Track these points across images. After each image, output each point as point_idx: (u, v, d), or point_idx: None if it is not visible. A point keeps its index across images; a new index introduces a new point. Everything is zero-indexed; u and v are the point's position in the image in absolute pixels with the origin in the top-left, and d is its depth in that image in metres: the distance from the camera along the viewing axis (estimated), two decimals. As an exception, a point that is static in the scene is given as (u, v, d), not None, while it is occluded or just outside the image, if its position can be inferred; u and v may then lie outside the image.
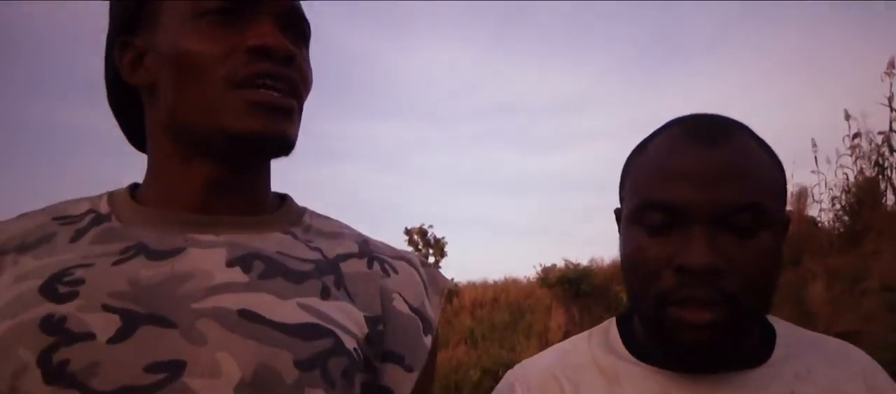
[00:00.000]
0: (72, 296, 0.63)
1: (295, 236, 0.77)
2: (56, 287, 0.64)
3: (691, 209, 0.77)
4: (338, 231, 0.82)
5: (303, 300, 0.69)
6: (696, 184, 0.78)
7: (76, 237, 0.72)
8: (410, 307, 0.76)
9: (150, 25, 0.75)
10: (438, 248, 25.72)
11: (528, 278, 18.71)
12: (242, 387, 0.62)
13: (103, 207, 0.77)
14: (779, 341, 0.88)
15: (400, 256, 0.83)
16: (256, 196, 0.79)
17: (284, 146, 0.75)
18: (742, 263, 0.77)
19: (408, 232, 26.42)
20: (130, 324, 0.63)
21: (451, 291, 20.79)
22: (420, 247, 26.03)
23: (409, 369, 0.73)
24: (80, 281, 0.65)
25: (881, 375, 0.88)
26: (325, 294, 0.72)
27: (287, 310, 0.67)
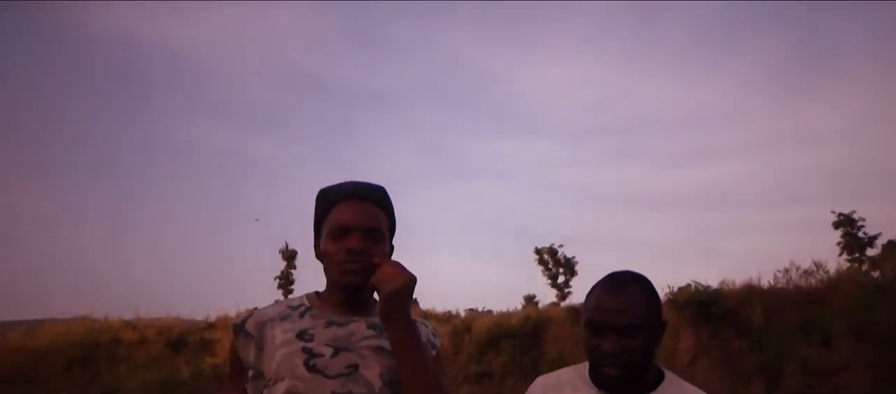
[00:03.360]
0: (311, 339, 1.66)
1: (374, 316, 1.78)
2: (303, 335, 1.66)
3: (604, 326, 1.71)
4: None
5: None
6: (604, 314, 1.72)
7: (302, 316, 1.73)
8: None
9: (319, 238, 1.80)
10: (569, 267, 26.25)
11: (658, 300, 19.02)
12: (382, 376, 1.62)
13: (306, 303, 1.77)
14: (664, 382, 1.81)
15: (421, 322, 1.86)
16: (356, 303, 1.78)
17: (360, 287, 1.72)
18: (624, 349, 1.69)
19: (538, 251, 27.10)
20: (337, 351, 1.65)
21: (578, 311, 21.29)
22: (550, 266, 26.64)
23: None
24: (313, 335, 1.66)
25: None
26: None
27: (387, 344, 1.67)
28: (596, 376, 1.72)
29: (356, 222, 1.67)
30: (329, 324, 1.66)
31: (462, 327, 23.02)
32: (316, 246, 1.76)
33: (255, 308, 1.72)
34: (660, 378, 1.79)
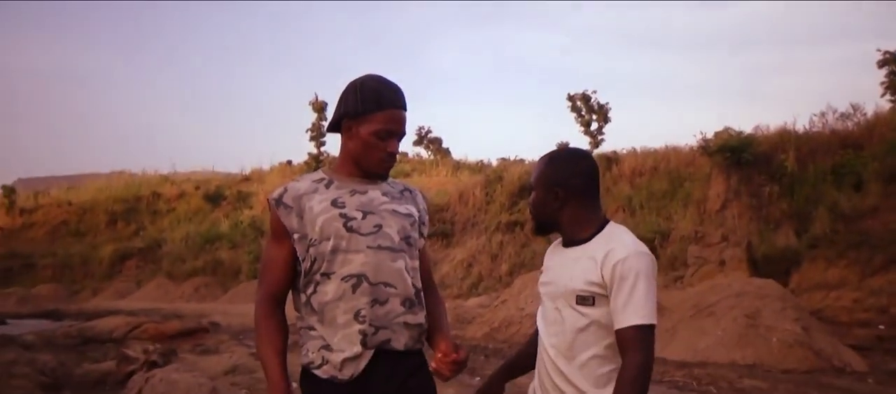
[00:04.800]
0: (343, 206, 2.09)
1: (387, 185, 2.21)
2: (335, 203, 2.09)
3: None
4: (395, 182, 2.26)
5: (404, 205, 2.19)
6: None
7: (327, 188, 2.12)
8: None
9: (358, 123, 2.11)
10: (602, 114, 26.36)
11: (690, 146, 19.20)
12: (399, 233, 2.12)
13: (327, 177, 2.15)
14: (603, 231, 2.04)
15: (415, 189, 2.32)
16: (370, 176, 2.17)
17: (386, 176, 2.20)
18: (531, 203, 2.18)
19: (571, 98, 27.12)
20: (365, 214, 2.10)
21: (610, 159, 21.59)
22: (583, 113, 26.76)
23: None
24: (344, 203, 2.09)
25: (620, 253, 1.93)
26: (408, 202, 2.21)
27: (402, 208, 2.17)
28: None
29: (397, 129, 2.13)
30: (353, 193, 2.11)
31: (494, 176, 23.55)
32: (348, 124, 2.12)
33: (285, 186, 2.14)
34: (603, 227, 2.07)
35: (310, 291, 2.06)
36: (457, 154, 36.79)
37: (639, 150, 21.22)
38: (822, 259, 13.43)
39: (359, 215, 2.06)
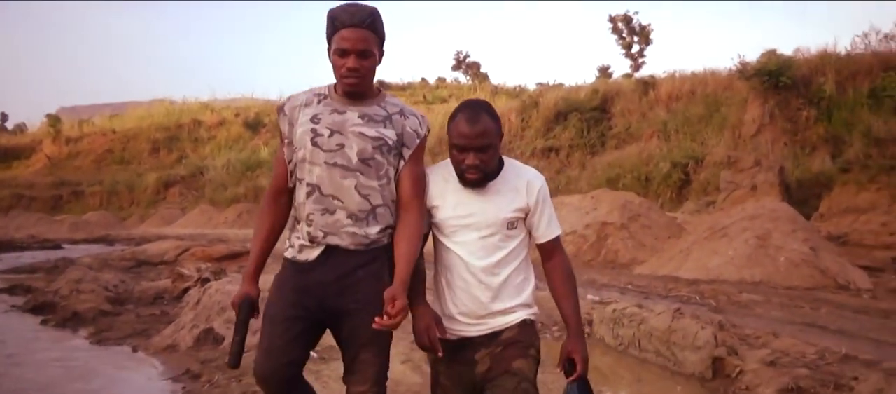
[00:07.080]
0: (318, 122, 2.43)
1: (378, 106, 2.49)
2: (314, 119, 2.44)
3: (467, 146, 2.38)
4: (395, 104, 2.54)
5: (377, 129, 2.44)
6: (467, 140, 2.37)
7: (319, 103, 2.48)
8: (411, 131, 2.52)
9: (329, 47, 2.44)
10: (644, 36, 26.67)
11: (729, 69, 19.51)
12: (358, 154, 2.40)
13: (325, 93, 2.50)
14: (504, 168, 2.46)
15: (412, 113, 2.57)
16: (363, 94, 2.48)
17: (358, 89, 2.44)
18: (482, 161, 2.37)
19: (612, 19, 27.41)
20: (332, 132, 2.42)
21: (647, 84, 21.94)
22: (625, 35, 27.02)
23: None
24: (320, 119, 2.43)
25: (537, 181, 2.46)
26: (385, 126, 2.46)
27: (371, 131, 2.42)
28: (461, 179, 2.44)
29: (352, 46, 2.39)
30: (333, 111, 2.43)
31: (530, 102, 24.08)
32: (328, 52, 2.47)
33: (289, 96, 2.54)
34: (501, 165, 2.47)
35: (294, 189, 2.50)
36: (496, 79, 37.13)
37: (677, 74, 21.51)
38: (853, 183, 13.95)
39: (326, 133, 2.39)
